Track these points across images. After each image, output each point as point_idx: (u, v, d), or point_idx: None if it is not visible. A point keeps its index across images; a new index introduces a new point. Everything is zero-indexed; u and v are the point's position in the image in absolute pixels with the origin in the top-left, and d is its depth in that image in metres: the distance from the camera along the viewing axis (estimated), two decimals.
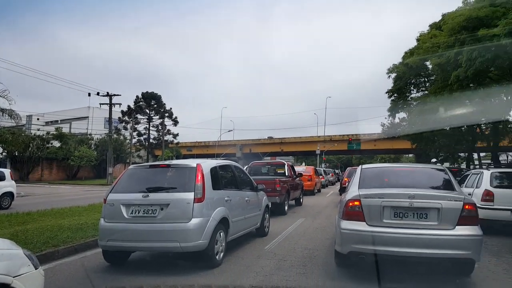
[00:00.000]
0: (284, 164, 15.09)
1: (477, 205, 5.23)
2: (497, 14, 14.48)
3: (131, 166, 6.60)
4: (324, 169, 38.04)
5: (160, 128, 49.75)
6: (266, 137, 63.86)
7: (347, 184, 6.87)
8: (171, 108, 49.99)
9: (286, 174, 14.18)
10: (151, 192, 5.62)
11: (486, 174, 9.21)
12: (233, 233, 6.53)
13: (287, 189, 12.85)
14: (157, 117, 50.06)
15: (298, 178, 15.26)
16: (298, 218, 11.23)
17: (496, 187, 8.84)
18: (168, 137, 50.56)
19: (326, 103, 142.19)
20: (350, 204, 5.05)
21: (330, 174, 38.16)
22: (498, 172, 9.58)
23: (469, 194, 7.91)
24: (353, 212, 5.01)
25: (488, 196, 8.64)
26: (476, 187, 9.18)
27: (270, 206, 8.98)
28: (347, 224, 5.00)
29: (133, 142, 46.98)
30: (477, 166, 29.25)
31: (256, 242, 7.61)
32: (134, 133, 47.74)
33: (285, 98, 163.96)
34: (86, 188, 30.39)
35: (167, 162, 6.62)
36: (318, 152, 53.20)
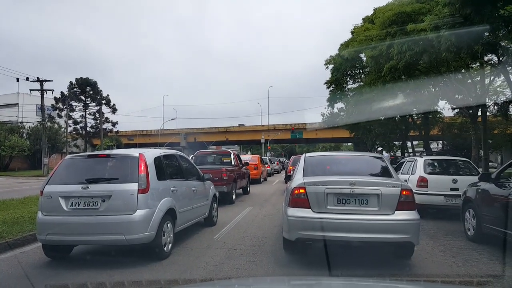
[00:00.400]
0: (230, 153, 15.06)
1: (413, 190, 5.48)
2: (423, 10, 15.46)
3: (68, 156, 6.22)
4: (269, 157, 38.54)
5: (97, 115, 47.31)
6: (218, 126, 62.70)
7: (292, 172, 7.00)
8: (108, 95, 47.93)
9: (233, 163, 14.20)
10: (91, 183, 5.38)
11: (420, 161, 9.75)
12: (181, 224, 6.44)
13: (234, 178, 12.88)
14: (94, 104, 47.57)
15: (244, 167, 15.33)
16: (246, 207, 11.31)
17: (429, 173, 9.34)
18: (107, 126, 48.45)
19: (269, 93, 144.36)
20: (296, 191, 5.16)
21: (276, 162, 38.67)
22: (431, 159, 10.17)
23: (405, 181, 8.36)
24: (298, 199, 5.11)
25: (422, 182, 9.13)
26: (411, 174, 9.65)
27: (217, 196, 8.95)
28: (293, 211, 5.10)
29: (69, 131, 44.35)
30: (411, 154, 31.32)
31: (205, 232, 7.56)
32: (70, 121, 45.02)
33: (229, 87, 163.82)
34: (20, 180, 28.42)
35: (107, 152, 6.30)
36: (262, 141, 53.83)
